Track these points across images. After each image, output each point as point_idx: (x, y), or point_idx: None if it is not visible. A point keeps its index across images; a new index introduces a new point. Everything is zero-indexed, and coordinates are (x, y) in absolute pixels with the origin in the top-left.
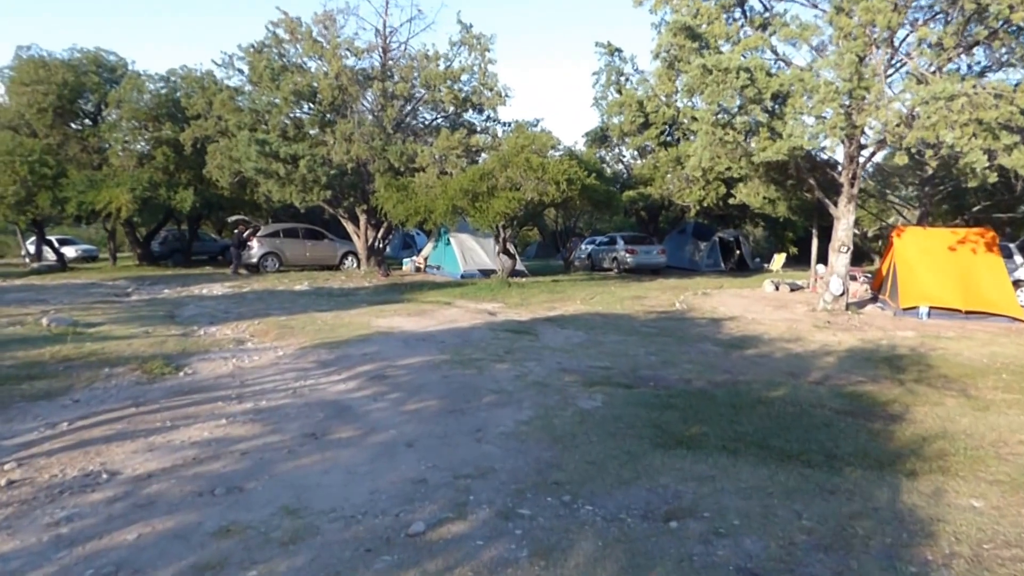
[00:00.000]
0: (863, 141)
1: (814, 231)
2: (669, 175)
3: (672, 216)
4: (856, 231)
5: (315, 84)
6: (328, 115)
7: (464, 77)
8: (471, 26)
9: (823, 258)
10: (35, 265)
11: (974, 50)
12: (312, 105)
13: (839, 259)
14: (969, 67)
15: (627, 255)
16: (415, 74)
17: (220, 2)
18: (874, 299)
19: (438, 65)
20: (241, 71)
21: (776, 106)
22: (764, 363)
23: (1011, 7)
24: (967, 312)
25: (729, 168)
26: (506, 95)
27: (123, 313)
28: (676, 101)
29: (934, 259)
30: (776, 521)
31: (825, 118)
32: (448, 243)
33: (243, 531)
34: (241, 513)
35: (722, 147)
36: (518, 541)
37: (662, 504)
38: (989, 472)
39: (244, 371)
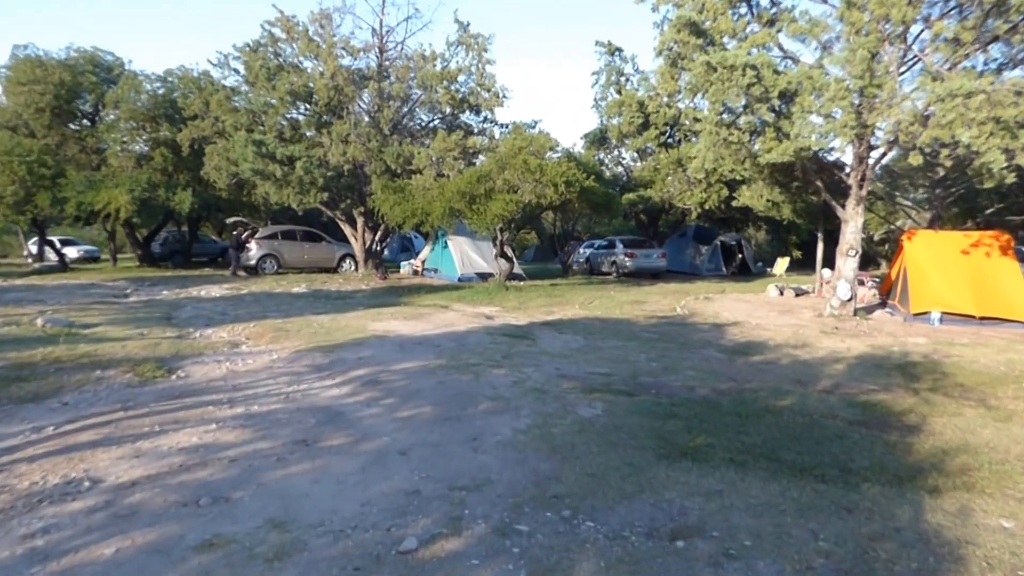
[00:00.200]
0: (873, 141)
1: (819, 235)
2: (670, 177)
3: (672, 219)
4: (862, 235)
5: (311, 84)
6: (324, 116)
7: (461, 78)
8: (469, 25)
9: (828, 262)
10: (36, 265)
11: (989, 47)
12: (308, 106)
13: (847, 263)
14: (985, 63)
15: (626, 259)
16: (412, 74)
17: (218, 1)
18: (883, 304)
19: (435, 65)
20: (237, 71)
21: (783, 105)
22: (770, 370)
23: None
24: (981, 318)
25: (733, 170)
26: (504, 96)
27: (120, 314)
28: (679, 101)
29: (946, 263)
30: (791, 542)
31: (834, 117)
32: (445, 246)
33: (227, 545)
34: (226, 525)
35: (726, 148)
36: (515, 561)
37: (667, 521)
38: (1018, 489)
39: (237, 375)
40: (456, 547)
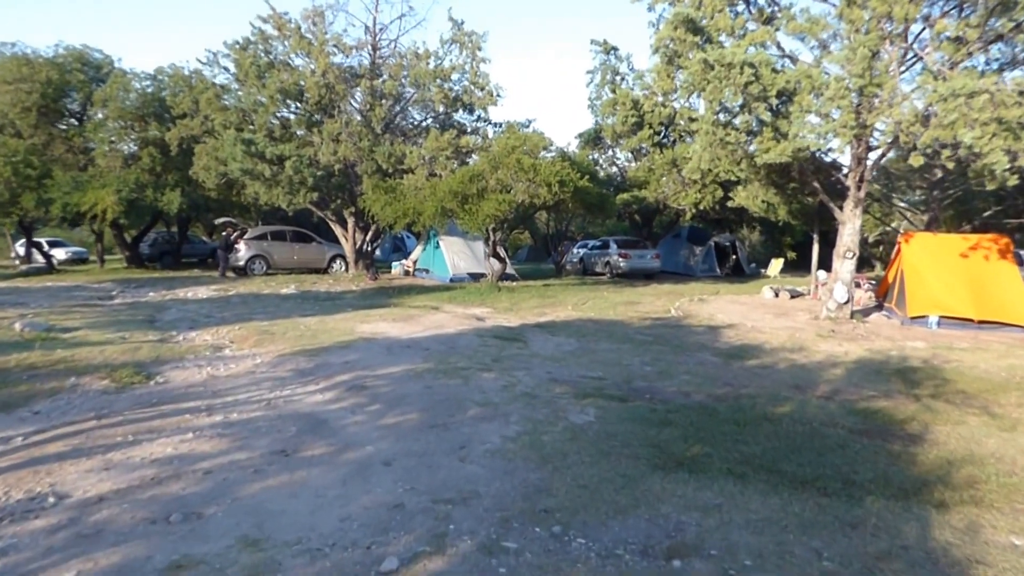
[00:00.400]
0: (872, 142)
1: (815, 236)
2: (664, 178)
3: (667, 220)
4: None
5: (302, 82)
6: (315, 115)
7: (455, 76)
8: (462, 23)
9: (823, 264)
10: (23, 268)
11: (990, 46)
12: (299, 104)
13: (844, 265)
14: (987, 63)
15: (620, 259)
16: (404, 72)
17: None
18: (879, 307)
19: (428, 63)
20: (227, 69)
21: (781, 105)
22: (767, 375)
23: None
24: (980, 322)
25: (729, 171)
26: (497, 95)
27: (102, 317)
28: (675, 100)
29: (945, 266)
30: (794, 562)
31: (833, 117)
32: (437, 246)
33: (196, 566)
34: (196, 545)
35: (723, 148)
36: None
37: (663, 538)
38: None
39: (218, 380)
40: (439, 567)
